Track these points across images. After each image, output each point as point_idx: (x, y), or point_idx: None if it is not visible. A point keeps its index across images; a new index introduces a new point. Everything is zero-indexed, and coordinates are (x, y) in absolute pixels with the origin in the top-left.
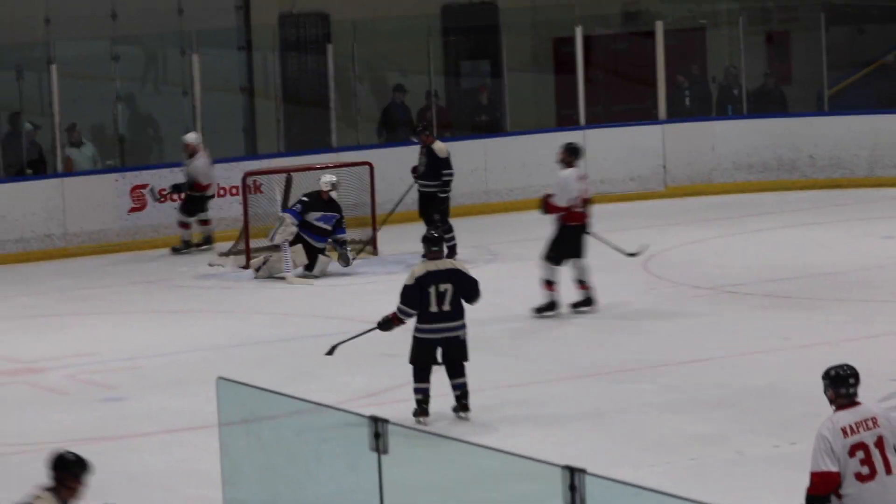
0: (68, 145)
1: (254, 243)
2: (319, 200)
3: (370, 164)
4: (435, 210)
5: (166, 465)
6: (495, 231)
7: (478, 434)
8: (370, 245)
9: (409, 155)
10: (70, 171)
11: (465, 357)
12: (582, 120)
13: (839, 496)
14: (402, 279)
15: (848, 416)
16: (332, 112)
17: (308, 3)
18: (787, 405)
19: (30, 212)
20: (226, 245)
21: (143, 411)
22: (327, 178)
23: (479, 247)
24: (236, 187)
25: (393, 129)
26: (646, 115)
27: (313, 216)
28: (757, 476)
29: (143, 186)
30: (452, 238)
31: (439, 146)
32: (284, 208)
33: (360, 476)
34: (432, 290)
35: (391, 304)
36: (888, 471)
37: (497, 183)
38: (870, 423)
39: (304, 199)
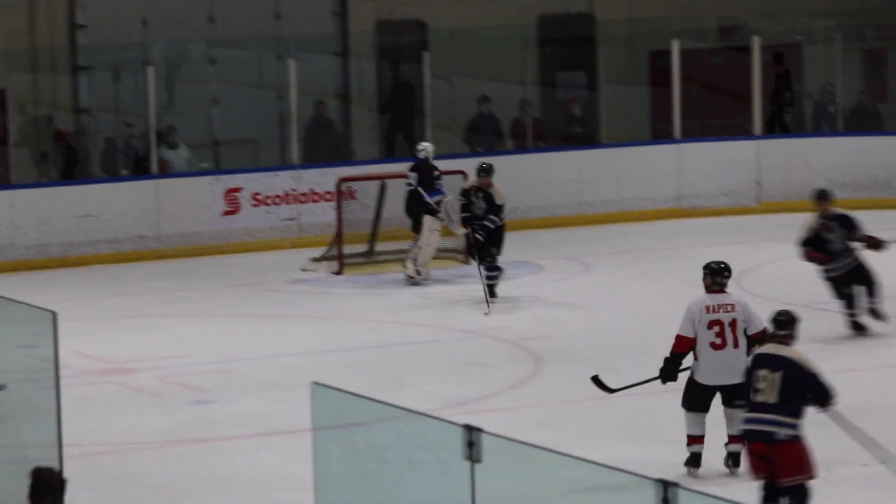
0: (164, 147)
1: (347, 249)
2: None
3: (464, 173)
4: (494, 245)
5: (256, 468)
6: (588, 243)
7: (570, 445)
8: (462, 254)
9: (499, 164)
10: (165, 172)
11: None
12: (677, 133)
13: (697, 358)
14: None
15: (713, 299)
16: (427, 120)
17: (405, 11)
18: (879, 424)
19: (123, 212)
20: (319, 250)
21: (233, 415)
22: (425, 144)
23: (571, 258)
24: (330, 192)
25: (480, 140)
26: (740, 131)
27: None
28: (846, 494)
29: (238, 190)
30: (497, 276)
31: (497, 190)
32: (430, 192)
33: (452, 484)
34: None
35: (482, 312)
36: (735, 345)
37: (591, 195)
38: (728, 308)
39: (437, 173)
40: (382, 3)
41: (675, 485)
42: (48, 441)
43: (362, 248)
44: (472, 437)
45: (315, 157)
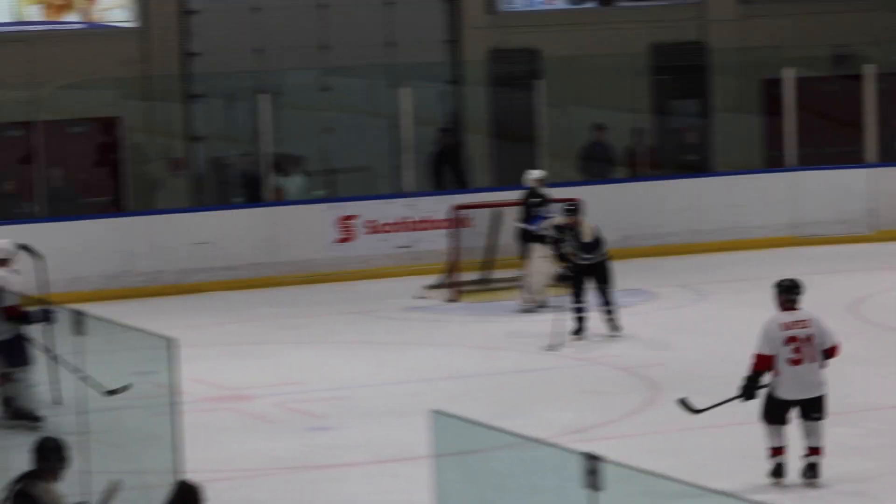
0: (278, 174)
1: (461, 276)
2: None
3: (578, 201)
4: (600, 280)
5: (373, 495)
6: (703, 271)
7: (688, 474)
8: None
9: (613, 192)
10: (280, 199)
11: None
12: (790, 161)
13: (777, 374)
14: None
15: (788, 316)
16: (540, 148)
17: (518, 39)
18: None
19: (239, 239)
20: (433, 278)
21: (351, 441)
22: (537, 174)
23: (686, 286)
24: (445, 220)
25: (594, 168)
26: (855, 159)
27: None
28: None
29: (352, 217)
30: (613, 310)
31: (586, 228)
32: (531, 220)
33: None
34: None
35: (601, 341)
36: (812, 360)
37: (705, 223)
38: (803, 324)
39: (541, 199)
40: (495, 32)
41: None
42: (165, 467)
43: (477, 275)
44: (592, 465)
45: (442, 184)
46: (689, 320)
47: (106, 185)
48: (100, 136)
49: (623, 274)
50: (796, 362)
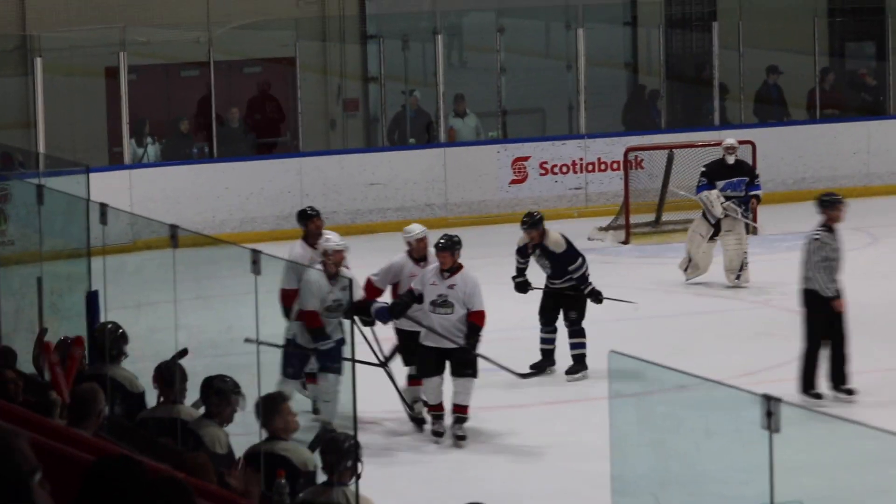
0: (452, 116)
1: (633, 219)
2: (722, 167)
3: (752, 143)
4: (572, 309)
5: (544, 437)
6: (876, 214)
7: (861, 416)
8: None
9: (787, 134)
10: (453, 141)
11: None
12: None
13: None
14: (787, 258)
15: None
16: (715, 90)
17: None
18: None
19: (411, 180)
20: (605, 219)
21: (520, 384)
22: (729, 141)
23: (859, 229)
24: (617, 162)
25: (769, 111)
26: None
27: (719, 185)
28: None
29: (525, 159)
30: (583, 345)
31: (553, 239)
32: (698, 188)
33: (750, 454)
34: None
35: (772, 282)
36: None
37: (879, 166)
38: None
39: (703, 170)
40: None
41: None
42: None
43: (649, 217)
44: (770, 407)
45: (628, 127)
46: (861, 263)
47: (279, 126)
48: (274, 76)
49: (797, 216)
50: None
